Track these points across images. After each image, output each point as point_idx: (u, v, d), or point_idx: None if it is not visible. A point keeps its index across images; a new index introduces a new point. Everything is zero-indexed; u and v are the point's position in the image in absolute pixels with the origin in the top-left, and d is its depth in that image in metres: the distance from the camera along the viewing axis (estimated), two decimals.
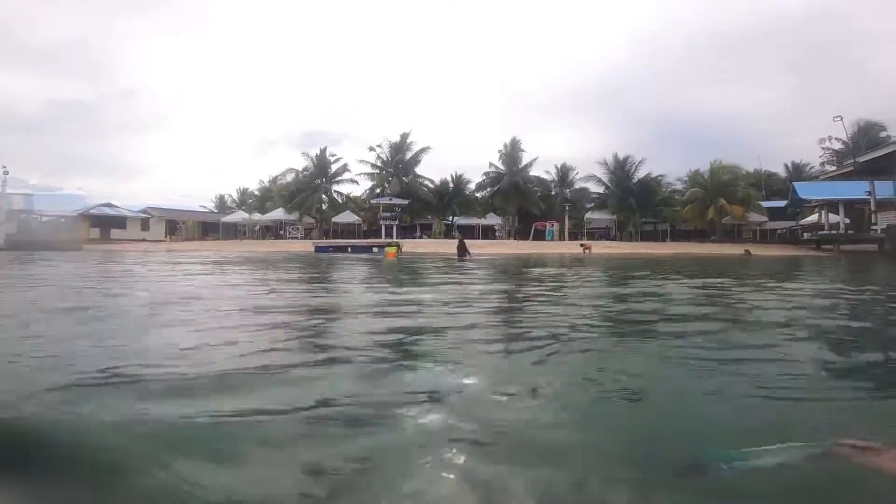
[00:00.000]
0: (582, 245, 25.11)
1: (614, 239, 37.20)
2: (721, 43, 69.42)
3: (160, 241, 38.79)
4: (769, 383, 2.05)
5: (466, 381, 1.93)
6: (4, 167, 27.60)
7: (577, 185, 43.14)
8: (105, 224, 39.82)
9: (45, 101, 68.69)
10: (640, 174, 39.15)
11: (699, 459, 1.27)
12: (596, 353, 2.54)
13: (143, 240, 37.73)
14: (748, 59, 68.95)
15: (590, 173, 40.88)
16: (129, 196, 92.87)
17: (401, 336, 2.84)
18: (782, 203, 34.63)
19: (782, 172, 43.19)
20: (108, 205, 42.12)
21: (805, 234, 31.74)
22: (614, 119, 71.59)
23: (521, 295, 5.77)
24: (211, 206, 57.44)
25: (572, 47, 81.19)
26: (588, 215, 40.27)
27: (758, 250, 25.01)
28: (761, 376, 2.17)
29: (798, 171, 41.64)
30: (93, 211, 40.04)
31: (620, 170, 39.18)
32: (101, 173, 76.74)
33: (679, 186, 39.58)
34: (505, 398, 1.77)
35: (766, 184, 39.66)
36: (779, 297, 5.98)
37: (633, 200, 37.62)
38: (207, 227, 45.36)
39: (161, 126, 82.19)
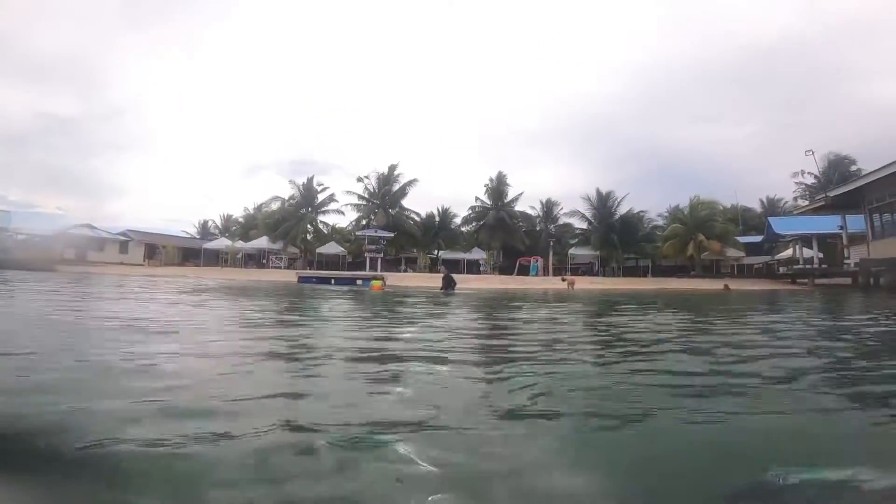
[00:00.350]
0: (564, 279, 25.24)
1: (597, 275, 37.61)
2: (699, 81, 72.78)
3: (138, 265, 37.96)
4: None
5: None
6: None
7: (562, 221, 44.06)
8: (82, 245, 38.95)
9: (33, 114, 67.61)
10: (623, 210, 40.26)
11: (766, 481, 1.22)
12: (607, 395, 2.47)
13: (121, 263, 36.99)
14: (725, 96, 72.20)
15: (574, 209, 41.92)
16: (110, 217, 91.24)
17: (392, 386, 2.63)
18: (759, 238, 35.66)
19: (758, 207, 44.75)
20: (88, 226, 41.39)
21: (781, 269, 32.56)
22: (598, 154, 73.76)
23: (517, 330, 5.69)
24: (193, 231, 56.72)
25: (560, 82, 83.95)
26: (572, 251, 40.81)
27: (736, 285, 25.49)
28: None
29: (773, 206, 43.20)
30: (71, 231, 39.22)
31: (603, 206, 40.15)
32: (83, 192, 74.65)
33: (660, 222, 40.65)
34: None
35: (743, 219, 40.90)
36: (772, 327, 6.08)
37: (616, 237, 38.35)
38: (188, 253, 44.64)
39: (147, 147, 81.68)
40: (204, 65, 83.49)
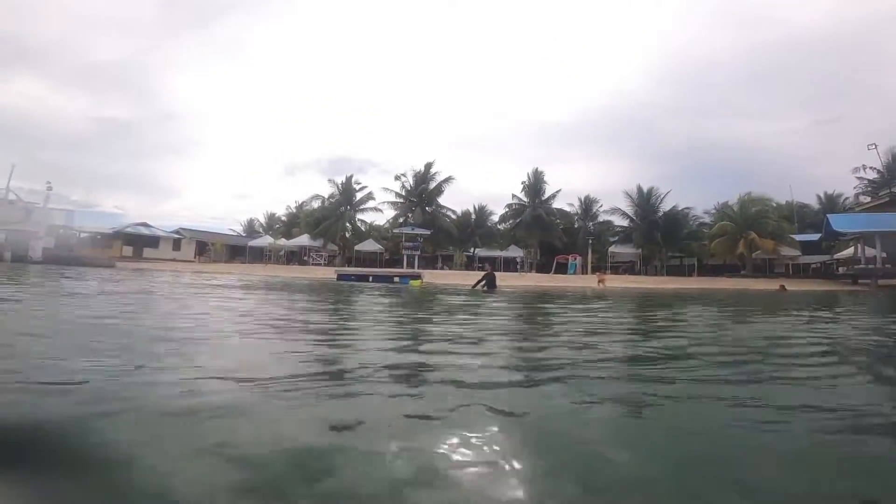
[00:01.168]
0: (597, 275, 24.75)
1: (639, 273, 36.48)
2: (748, 71, 69.22)
3: (189, 261, 40.02)
4: None
5: None
6: (49, 183, 28.88)
7: (601, 218, 42.91)
8: (139, 243, 41.40)
9: (91, 119, 72.79)
10: (666, 207, 38.72)
11: None
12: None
13: (174, 259, 39.01)
14: (776, 87, 68.25)
15: (614, 206, 40.66)
16: (164, 216, 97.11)
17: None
18: (815, 236, 33.51)
19: (815, 204, 42.19)
20: (144, 224, 44.02)
21: (840, 269, 30.52)
22: (639, 150, 71.62)
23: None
24: (240, 229, 59.31)
25: (597, 78, 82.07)
26: (612, 249, 39.77)
27: (792, 285, 24.04)
28: None
29: (832, 203, 40.52)
30: (128, 229, 41.79)
31: (645, 202, 38.79)
32: (139, 192, 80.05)
33: (707, 220, 38.91)
34: None
35: (799, 216, 38.57)
36: None
37: (659, 234, 37.02)
38: (235, 251, 46.67)
39: (197, 149, 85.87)
40: (246, 70, 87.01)
